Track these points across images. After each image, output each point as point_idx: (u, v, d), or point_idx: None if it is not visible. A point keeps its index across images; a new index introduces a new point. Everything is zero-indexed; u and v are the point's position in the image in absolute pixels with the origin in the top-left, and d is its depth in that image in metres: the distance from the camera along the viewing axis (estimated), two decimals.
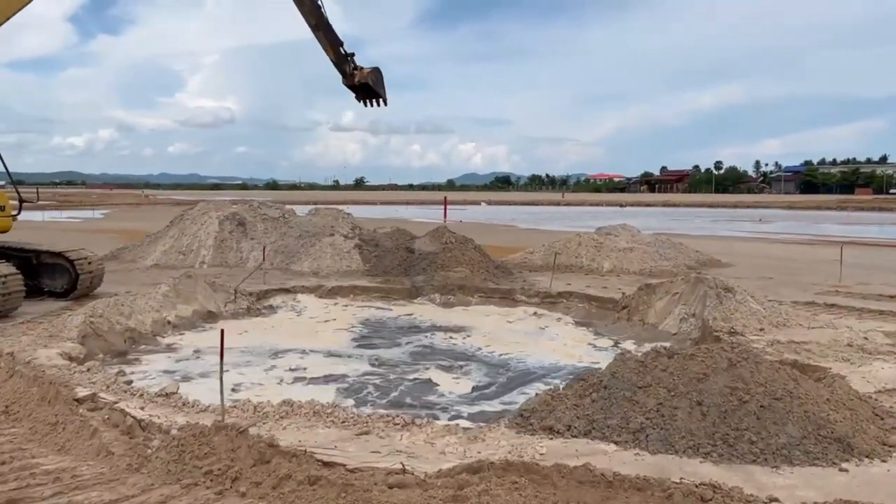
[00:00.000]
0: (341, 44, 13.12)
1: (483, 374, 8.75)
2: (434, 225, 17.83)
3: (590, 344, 10.51)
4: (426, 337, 10.83)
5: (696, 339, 9.86)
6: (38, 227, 30.82)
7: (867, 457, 5.03)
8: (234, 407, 5.98)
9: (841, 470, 4.84)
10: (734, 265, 18.28)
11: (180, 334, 10.26)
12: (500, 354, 9.73)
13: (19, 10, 10.97)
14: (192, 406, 6.02)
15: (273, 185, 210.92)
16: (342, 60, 13.13)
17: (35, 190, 12.86)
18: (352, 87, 13.49)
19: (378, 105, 14.06)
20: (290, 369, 8.80)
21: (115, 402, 5.61)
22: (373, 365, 9.08)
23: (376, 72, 13.50)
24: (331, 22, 13.11)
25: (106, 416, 5.43)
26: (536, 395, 6.30)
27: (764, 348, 8.46)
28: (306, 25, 12.94)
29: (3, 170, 11.97)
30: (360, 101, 14.01)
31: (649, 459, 4.97)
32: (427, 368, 8.97)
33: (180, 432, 5.01)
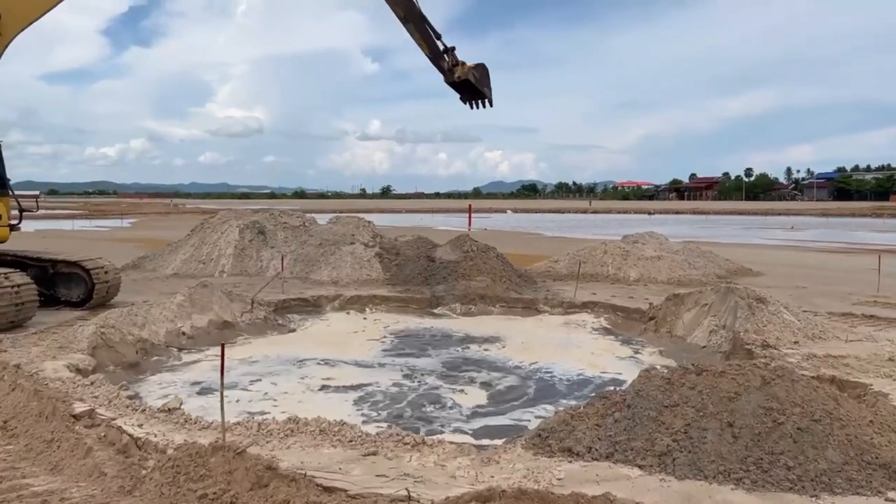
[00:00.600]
0: (438, 37, 12.34)
1: (515, 385, 8.51)
2: (459, 233, 17.51)
3: (630, 357, 10.06)
4: (459, 349, 10.49)
5: (726, 352, 9.43)
6: (66, 235, 31.09)
7: None
8: (238, 424, 5.72)
9: (887, 500, 4.43)
10: (766, 274, 17.70)
11: (199, 349, 10.05)
12: (531, 364, 9.44)
13: (46, 12, 10.89)
14: (195, 423, 5.78)
15: (301, 194, 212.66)
16: (438, 56, 12.32)
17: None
18: (452, 84, 12.69)
19: (483, 106, 13.23)
20: (323, 379, 8.61)
21: (113, 419, 5.37)
22: (406, 377, 8.81)
23: (480, 68, 12.67)
24: (425, 13, 12.26)
25: (102, 434, 5.19)
26: (556, 413, 5.95)
27: (799, 363, 8.02)
28: (395, 18, 12.16)
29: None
30: (464, 102, 13.20)
31: (676, 486, 4.60)
32: (459, 380, 8.71)
33: (176, 452, 4.75)
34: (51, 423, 5.47)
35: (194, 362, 9.39)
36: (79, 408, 5.52)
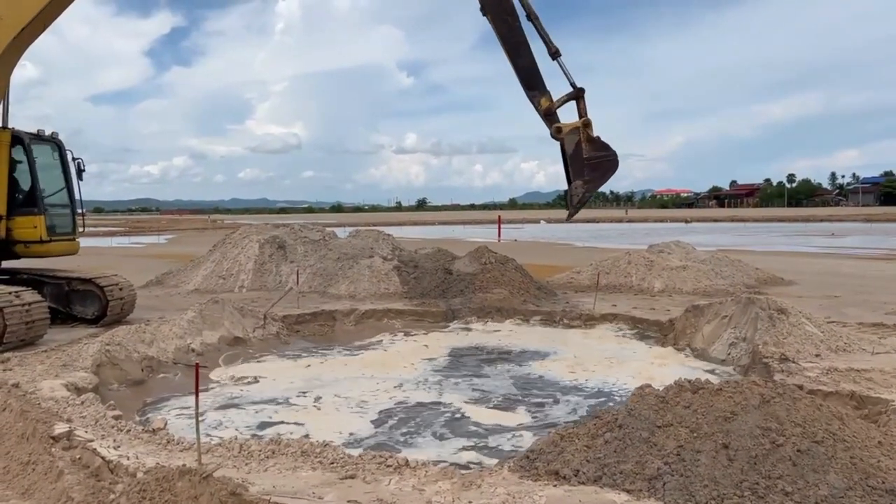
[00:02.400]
0: (536, 92, 10.94)
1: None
2: (488, 245, 17.30)
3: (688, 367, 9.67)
4: (515, 365, 10.02)
5: (745, 365, 9.05)
6: (100, 252, 31.61)
7: None
8: (219, 446, 5.60)
9: None
10: (798, 283, 17.11)
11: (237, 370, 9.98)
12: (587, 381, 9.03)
13: (61, 12, 11.08)
14: (177, 444, 5.68)
15: (338, 208, 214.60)
16: (547, 113, 10.88)
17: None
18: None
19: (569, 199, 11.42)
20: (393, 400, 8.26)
21: (90, 441, 5.28)
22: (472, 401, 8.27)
23: (594, 143, 10.77)
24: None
25: (77, 456, 5.10)
26: (548, 433, 5.70)
27: (818, 377, 7.63)
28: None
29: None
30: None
31: None
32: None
33: (145, 476, 4.62)
34: (30, 445, 5.41)
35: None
36: (58, 429, 5.45)
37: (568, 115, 11.30)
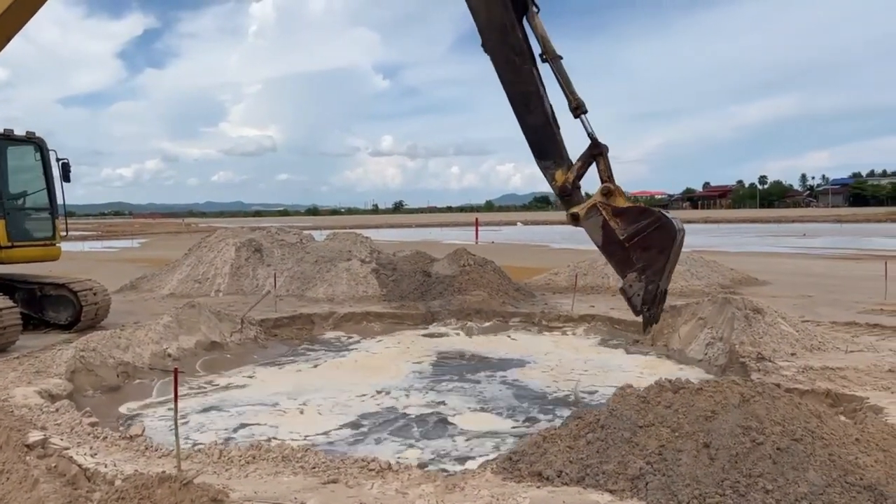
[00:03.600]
0: (549, 162, 8.32)
1: None
2: (466, 247, 17.31)
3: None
4: (497, 374, 9.58)
5: (722, 365, 9.14)
6: (72, 257, 31.09)
7: None
8: (199, 452, 5.53)
9: None
10: (772, 283, 17.34)
11: (215, 376, 9.85)
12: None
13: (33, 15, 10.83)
14: (155, 450, 5.59)
15: (314, 211, 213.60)
16: (563, 192, 8.32)
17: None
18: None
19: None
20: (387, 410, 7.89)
21: (66, 449, 5.18)
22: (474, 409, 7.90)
23: (617, 220, 7.95)
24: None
25: (53, 465, 4.99)
26: (529, 435, 5.71)
27: (794, 375, 7.75)
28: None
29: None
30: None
31: None
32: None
33: (123, 483, 4.55)
34: (3, 454, 5.28)
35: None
36: (33, 437, 5.33)
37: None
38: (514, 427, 7.26)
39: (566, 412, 7.10)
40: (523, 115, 8.16)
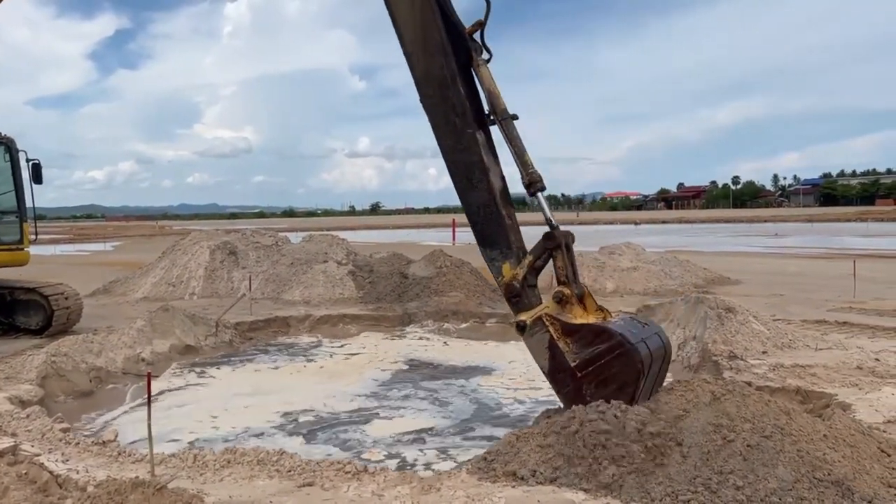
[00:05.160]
0: (495, 252, 6.26)
1: None
2: (443, 248, 17.33)
3: None
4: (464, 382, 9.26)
5: (695, 364, 9.25)
6: (44, 261, 30.67)
7: (869, 502, 4.40)
8: (173, 457, 5.48)
9: None
10: (744, 282, 17.58)
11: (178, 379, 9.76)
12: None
13: None
14: (128, 456, 5.54)
15: (290, 213, 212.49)
16: (510, 291, 6.23)
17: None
18: None
19: None
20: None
21: (37, 455, 5.12)
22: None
23: (567, 340, 5.56)
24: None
25: (23, 472, 4.93)
26: (504, 436, 5.73)
27: (765, 373, 7.87)
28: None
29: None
30: None
31: None
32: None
33: (96, 489, 4.52)
34: None
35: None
36: (2, 444, 5.26)
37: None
38: (415, 434, 7.18)
39: (495, 429, 7.13)
40: (464, 190, 6.22)
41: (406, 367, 10.22)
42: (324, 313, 13.41)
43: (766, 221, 72.00)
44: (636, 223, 76.69)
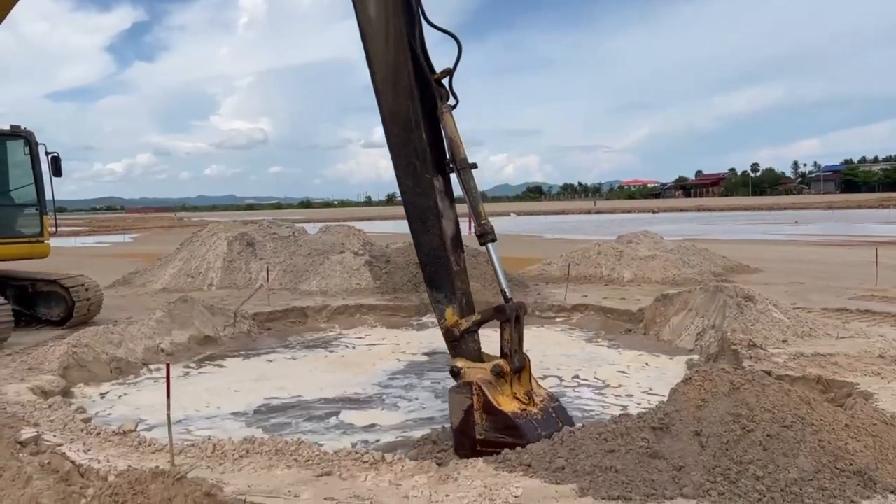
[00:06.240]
0: (441, 295, 6.24)
1: None
2: None
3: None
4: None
5: (714, 354, 9.18)
6: (64, 253, 31.02)
7: (892, 493, 4.36)
8: (192, 446, 5.52)
9: None
10: (764, 270, 17.42)
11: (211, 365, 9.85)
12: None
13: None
14: (149, 446, 5.59)
15: (307, 204, 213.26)
16: (449, 336, 6.14)
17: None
18: None
19: None
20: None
21: (59, 445, 5.19)
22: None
23: (483, 416, 5.64)
24: None
25: (46, 461, 5.00)
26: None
27: (786, 362, 7.79)
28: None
29: None
30: None
31: (638, 500, 4.38)
32: None
33: (117, 479, 4.56)
34: None
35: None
36: (25, 434, 5.33)
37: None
38: (393, 424, 7.25)
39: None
40: (418, 231, 6.28)
41: (425, 358, 10.22)
42: (341, 304, 13.45)
43: (785, 209, 71.29)
44: (654, 211, 76.20)
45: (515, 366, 5.72)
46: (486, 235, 6.09)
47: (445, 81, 6.19)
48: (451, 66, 6.14)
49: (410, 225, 6.33)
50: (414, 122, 6.09)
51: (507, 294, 5.94)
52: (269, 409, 7.78)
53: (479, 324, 6.08)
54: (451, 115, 6.15)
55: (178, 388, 8.45)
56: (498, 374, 5.67)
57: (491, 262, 6.17)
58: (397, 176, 6.30)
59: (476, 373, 5.78)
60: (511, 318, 5.77)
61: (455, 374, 5.93)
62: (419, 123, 6.09)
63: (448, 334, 6.13)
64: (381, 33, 6.09)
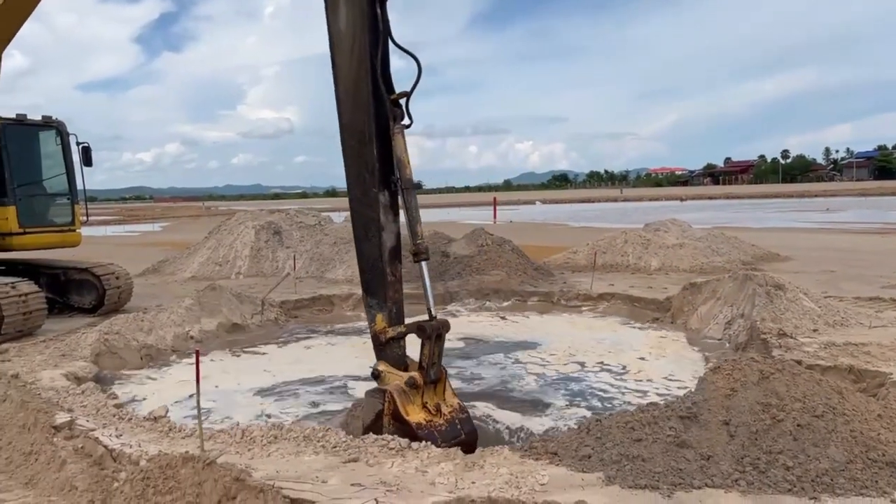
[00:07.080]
0: (374, 301, 6.68)
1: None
2: (484, 227, 17.31)
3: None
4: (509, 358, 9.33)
5: (742, 343, 9.08)
6: (95, 242, 31.51)
7: None
8: (221, 432, 5.59)
9: (893, 501, 4.12)
10: (794, 259, 17.17)
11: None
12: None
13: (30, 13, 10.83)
14: (179, 431, 5.68)
15: (332, 193, 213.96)
16: (377, 340, 6.51)
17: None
18: None
19: None
20: None
21: (92, 430, 5.29)
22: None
23: (392, 422, 5.92)
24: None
25: (80, 446, 5.11)
26: None
27: (816, 352, 7.68)
28: None
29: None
30: None
31: (665, 489, 4.35)
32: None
33: (148, 464, 4.64)
34: (32, 435, 5.42)
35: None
36: (60, 419, 5.45)
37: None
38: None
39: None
40: (360, 239, 6.67)
41: (462, 343, 10.27)
42: None
43: (816, 196, 70.11)
44: (682, 199, 75.36)
45: (430, 378, 6.03)
46: (420, 255, 6.39)
47: (404, 102, 6.28)
48: (409, 90, 6.21)
49: (354, 232, 6.68)
50: (368, 137, 6.28)
51: (433, 312, 6.27)
52: (288, 385, 8.25)
53: (403, 335, 6.44)
54: (403, 136, 6.29)
55: (210, 375, 8.66)
56: (411, 385, 6.01)
57: (422, 281, 6.43)
58: (348, 184, 6.55)
59: (393, 379, 6.14)
60: (431, 335, 6.07)
61: (375, 376, 6.32)
62: (372, 139, 6.27)
63: (375, 339, 6.50)
64: (348, 47, 6.22)
